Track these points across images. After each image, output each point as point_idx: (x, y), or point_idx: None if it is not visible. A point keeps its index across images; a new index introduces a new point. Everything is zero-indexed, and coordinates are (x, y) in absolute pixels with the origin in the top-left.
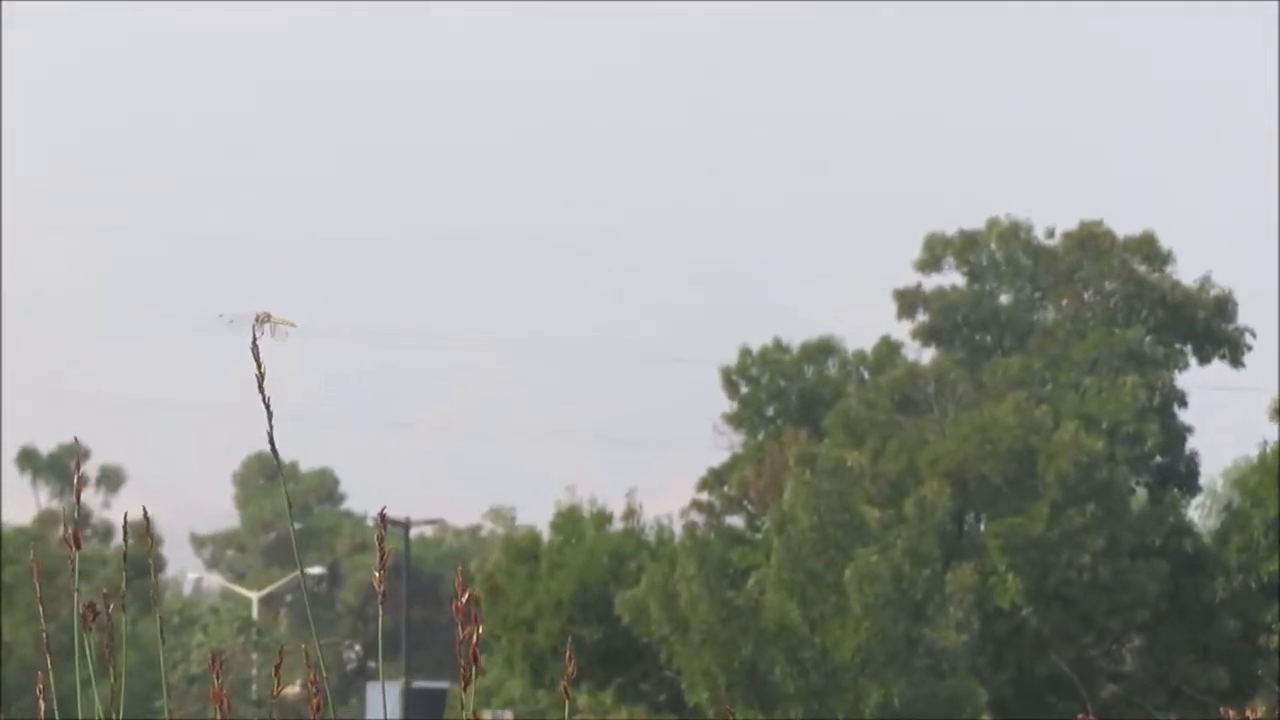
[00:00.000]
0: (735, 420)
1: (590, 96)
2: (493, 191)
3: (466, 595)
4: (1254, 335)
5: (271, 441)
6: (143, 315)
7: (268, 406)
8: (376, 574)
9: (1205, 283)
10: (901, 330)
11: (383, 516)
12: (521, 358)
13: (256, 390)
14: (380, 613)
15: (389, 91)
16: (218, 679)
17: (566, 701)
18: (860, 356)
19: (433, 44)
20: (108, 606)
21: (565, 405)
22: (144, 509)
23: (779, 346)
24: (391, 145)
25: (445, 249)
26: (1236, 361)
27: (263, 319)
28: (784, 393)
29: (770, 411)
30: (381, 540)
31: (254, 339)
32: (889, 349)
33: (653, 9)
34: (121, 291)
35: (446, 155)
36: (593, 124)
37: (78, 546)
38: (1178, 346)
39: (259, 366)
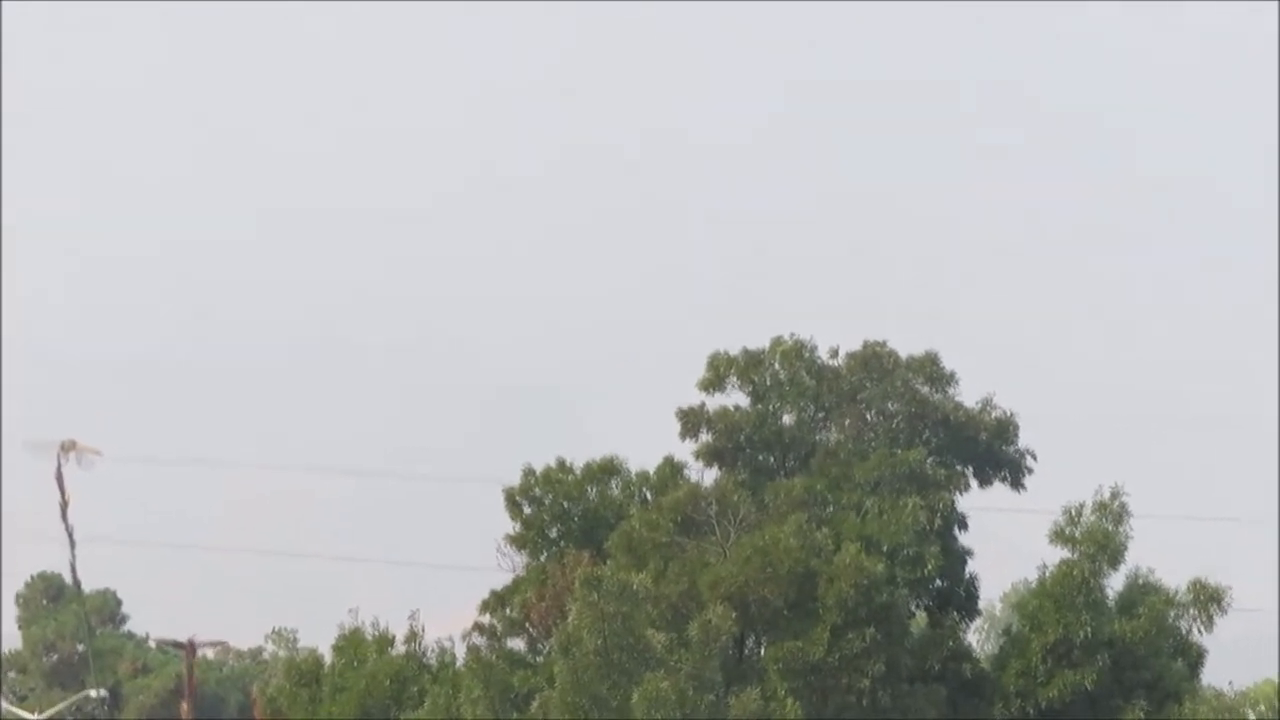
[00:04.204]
0: (518, 542)
1: (393, 219)
2: (278, 321)
3: None
4: (1034, 458)
5: (74, 569)
6: None
7: (70, 535)
8: (185, 704)
9: (987, 404)
10: (685, 450)
11: (191, 646)
12: (304, 480)
13: (58, 516)
14: None
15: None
16: None
17: None
18: (643, 477)
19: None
20: None
21: (347, 527)
22: None
23: (562, 467)
24: (169, 271)
25: (231, 373)
26: (1017, 484)
27: (68, 447)
28: (567, 514)
29: (553, 533)
30: (191, 673)
31: (59, 466)
32: (672, 469)
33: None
34: None
35: (235, 282)
36: (391, 243)
37: None
38: (959, 468)
39: (63, 494)
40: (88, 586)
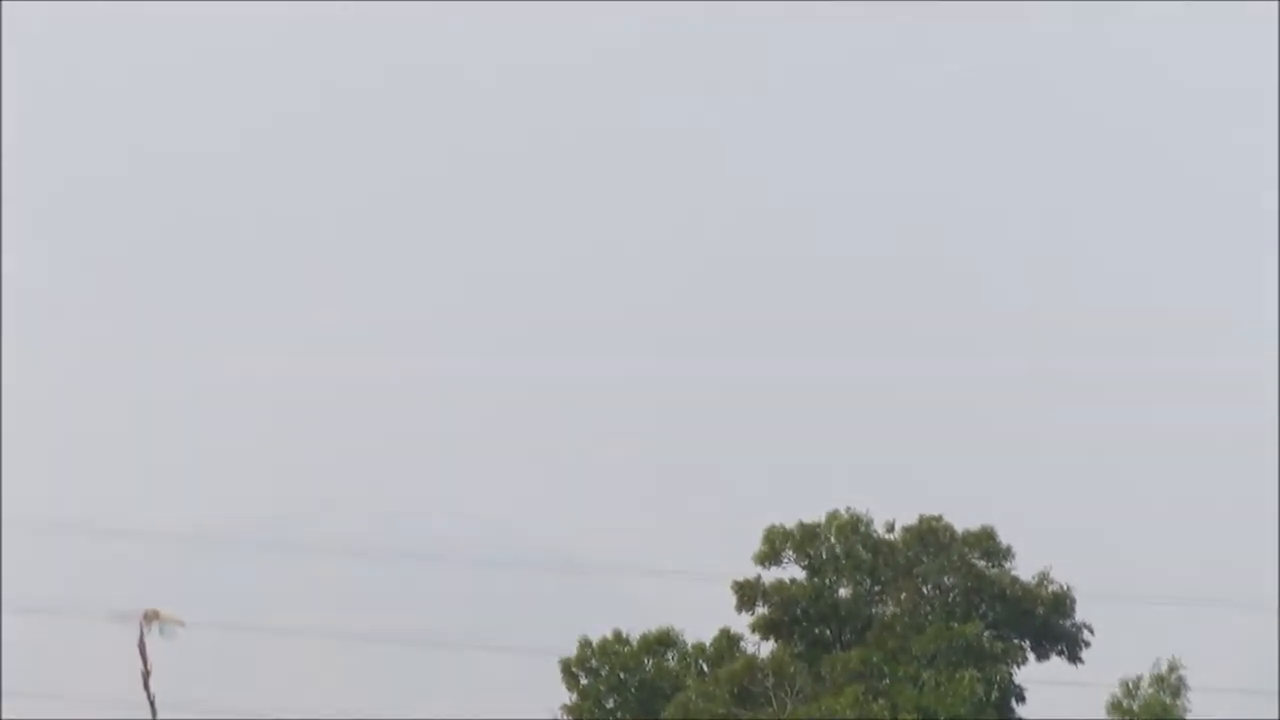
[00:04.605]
0: (575, 712)
1: (428, 391)
2: (324, 489)
3: None
4: (1091, 631)
5: None
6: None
7: (152, 704)
8: None
9: (1043, 578)
10: (741, 623)
11: None
12: (356, 646)
13: (141, 685)
14: None
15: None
16: None
17: None
18: (700, 649)
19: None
20: None
21: (401, 696)
22: None
23: (619, 638)
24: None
25: (274, 542)
26: (1074, 657)
27: (151, 616)
28: (623, 685)
29: (610, 704)
30: None
31: (141, 635)
32: (728, 641)
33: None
34: None
35: (265, 454)
36: (431, 419)
37: None
38: (1016, 642)
39: (145, 664)
40: None
